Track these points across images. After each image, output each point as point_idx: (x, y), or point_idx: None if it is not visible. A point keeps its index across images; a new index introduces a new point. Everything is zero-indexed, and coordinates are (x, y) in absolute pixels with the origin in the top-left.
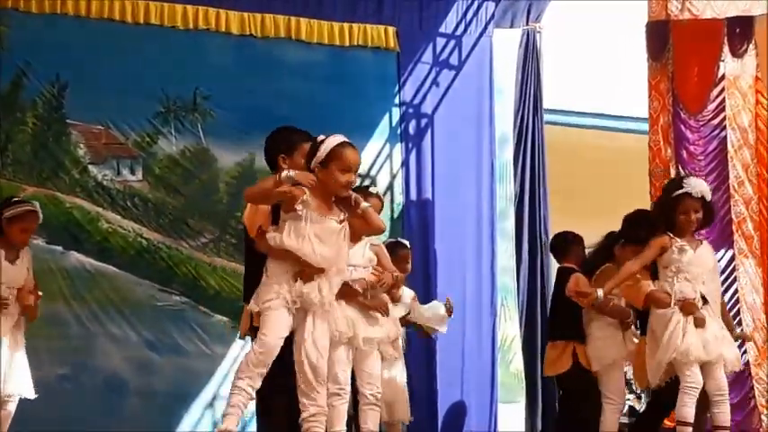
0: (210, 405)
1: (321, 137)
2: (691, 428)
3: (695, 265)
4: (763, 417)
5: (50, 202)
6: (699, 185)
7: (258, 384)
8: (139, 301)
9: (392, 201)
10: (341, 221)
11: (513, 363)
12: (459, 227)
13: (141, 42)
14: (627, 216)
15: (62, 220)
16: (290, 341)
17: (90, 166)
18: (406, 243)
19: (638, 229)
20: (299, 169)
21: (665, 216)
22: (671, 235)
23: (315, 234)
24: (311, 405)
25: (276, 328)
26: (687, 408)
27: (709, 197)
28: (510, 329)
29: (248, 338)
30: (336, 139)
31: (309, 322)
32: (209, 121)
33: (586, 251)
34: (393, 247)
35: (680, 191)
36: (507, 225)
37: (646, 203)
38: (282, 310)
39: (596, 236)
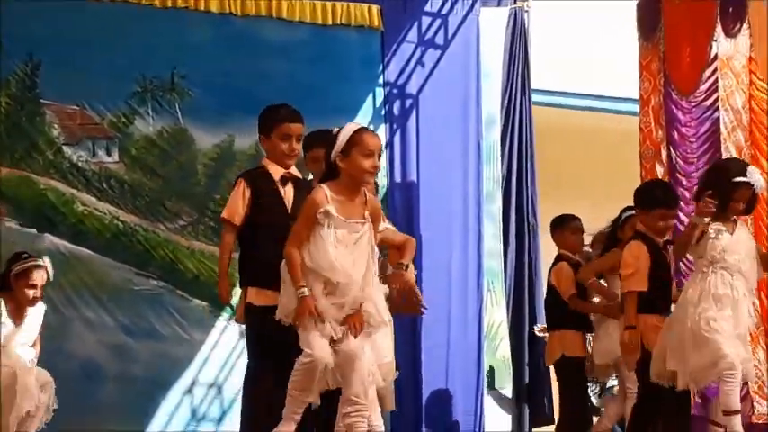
0: (189, 391)
1: (335, 129)
2: (739, 417)
3: (731, 251)
4: (755, 403)
5: (24, 184)
6: (761, 180)
7: (313, 397)
8: (115, 285)
9: (376, 183)
10: (365, 222)
11: (499, 349)
12: (445, 209)
13: (117, 20)
14: (638, 188)
15: (36, 203)
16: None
17: (65, 147)
18: None
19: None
20: (275, 152)
21: (719, 197)
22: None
23: (337, 241)
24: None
25: (318, 342)
26: (732, 396)
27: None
28: (496, 314)
29: (232, 322)
30: (353, 125)
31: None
32: (187, 102)
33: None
34: None
35: (743, 178)
36: (494, 207)
37: (636, 186)
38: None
39: (584, 218)
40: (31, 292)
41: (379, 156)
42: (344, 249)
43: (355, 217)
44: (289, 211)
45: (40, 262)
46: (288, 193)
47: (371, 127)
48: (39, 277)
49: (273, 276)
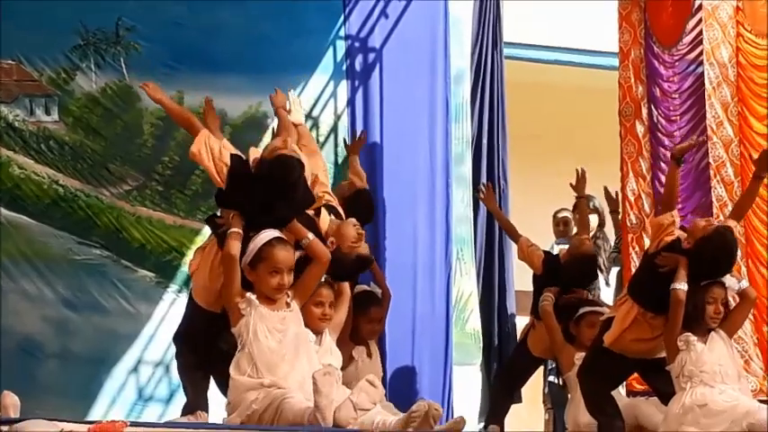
0: (135, 369)
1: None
2: None
3: (708, 361)
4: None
5: None
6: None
7: None
8: (55, 254)
9: (336, 144)
10: (289, 305)
11: (469, 321)
12: (411, 173)
13: None
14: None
15: None
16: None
17: (0, 106)
18: (379, 295)
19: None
20: None
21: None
22: None
23: (267, 330)
24: None
25: None
26: None
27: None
28: (466, 285)
29: (180, 295)
30: (266, 236)
31: None
32: (134, 56)
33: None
34: (364, 302)
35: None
36: (464, 170)
37: (615, 145)
38: None
39: (557, 181)
40: None
41: (289, 270)
42: (278, 340)
43: (279, 306)
44: None
45: None
46: None
47: (332, 83)
48: None
49: None
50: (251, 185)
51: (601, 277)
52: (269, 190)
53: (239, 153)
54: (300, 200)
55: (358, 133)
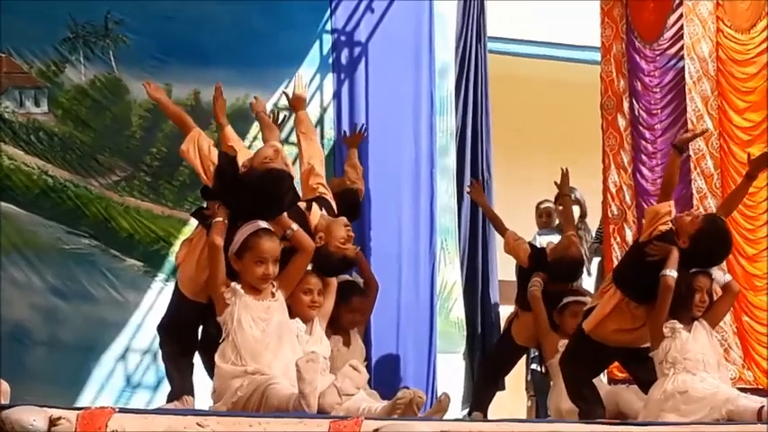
0: (123, 357)
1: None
2: None
3: (692, 350)
4: None
5: None
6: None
7: None
8: (45, 243)
9: (322, 136)
10: (273, 295)
11: (453, 310)
12: (396, 164)
13: None
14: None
15: None
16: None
17: None
18: (361, 285)
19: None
20: None
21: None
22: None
23: (252, 319)
24: None
25: None
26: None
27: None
28: (450, 274)
29: (167, 284)
30: (251, 227)
31: None
32: (122, 49)
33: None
34: (346, 292)
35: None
36: (448, 162)
37: (597, 138)
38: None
39: (541, 173)
40: None
41: (275, 261)
42: (261, 329)
43: (264, 296)
44: None
45: None
46: None
47: (318, 77)
48: None
49: None
50: (238, 190)
51: None
52: (257, 200)
53: (237, 143)
54: (287, 207)
55: (345, 126)
